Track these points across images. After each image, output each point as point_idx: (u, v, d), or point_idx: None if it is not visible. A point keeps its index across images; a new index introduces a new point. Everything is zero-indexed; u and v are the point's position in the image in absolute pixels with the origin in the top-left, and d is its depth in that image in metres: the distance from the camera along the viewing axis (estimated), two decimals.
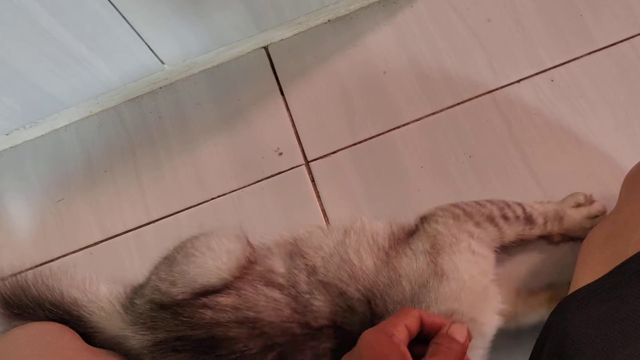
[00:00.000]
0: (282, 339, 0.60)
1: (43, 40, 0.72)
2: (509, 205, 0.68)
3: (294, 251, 0.66)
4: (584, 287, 0.55)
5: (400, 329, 0.49)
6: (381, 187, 0.79)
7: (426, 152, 0.80)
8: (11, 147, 0.91)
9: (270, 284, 0.63)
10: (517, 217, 0.67)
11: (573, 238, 0.71)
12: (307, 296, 0.61)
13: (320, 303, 0.61)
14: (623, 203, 0.61)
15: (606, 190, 0.74)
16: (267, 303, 0.61)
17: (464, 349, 0.51)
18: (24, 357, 0.62)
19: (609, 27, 0.82)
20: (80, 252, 0.83)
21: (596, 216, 0.70)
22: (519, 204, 0.68)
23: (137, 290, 0.69)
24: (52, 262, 0.83)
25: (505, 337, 0.68)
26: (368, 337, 0.49)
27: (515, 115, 0.79)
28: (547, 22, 0.83)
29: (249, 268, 0.65)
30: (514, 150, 0.78)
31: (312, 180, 0.81)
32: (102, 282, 0.72)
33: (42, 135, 0.91)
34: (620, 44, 0.81)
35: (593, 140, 0.77)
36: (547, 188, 0.75)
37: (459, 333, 0.51)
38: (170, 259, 0.68)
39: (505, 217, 0.66)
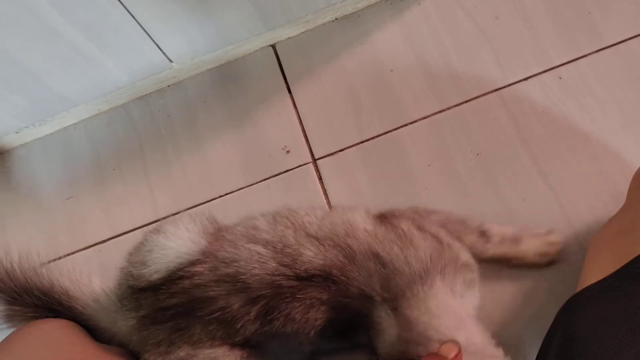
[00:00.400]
0: (267, 292, 0.59)
1: (52, 39, 0.73)
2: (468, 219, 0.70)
3: (279, 214, 0.65)
4: (592, 285, 0.55)
5: None
6: (388, 185, 0.79)
7: (433, 150, 0.80)
8: (21, 145, 0.92)
9: (253, 240, 0.62)
10: (473, 228, 0.69)
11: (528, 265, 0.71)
12: (296, 247, 0.61)
13: (311, 254, 0.60)
14: (631, 201, 0.61)
15: (614, 188, 0.74)
16: (250, 256, 0.60)
17: None
18: (35, 354, 0.62)
19: (617, 24, 0.81)
20: (89, 249, 0.84)
21: (552, 243, 0.70)
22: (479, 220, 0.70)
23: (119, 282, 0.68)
24: (60, 260, 0.84)
25: (511, 334, 0.69)
26: None
27: (523, 113, 0.79)
28: (555, 19, 0.83)
29: (225, 232, 0.65)
30: (521, 148, 0.78)
31: (320, 178, 0.82)
32: (93, 274, 0.73)
33: (52, 133, 0.91)
34: (629, 41, 0.80)
35: (601, 138, 0.76)
36: (555, 186, 0.75)
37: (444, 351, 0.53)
38: (137, 245, 0.68)
39: (462, 222, 0.69)
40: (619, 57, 0.80)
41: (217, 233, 0.66)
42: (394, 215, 0.68)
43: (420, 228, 0.64)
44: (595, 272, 0.58)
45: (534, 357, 0.59)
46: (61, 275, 0.71)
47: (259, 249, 0.61)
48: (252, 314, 0.59)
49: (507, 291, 0.71)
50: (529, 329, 0.67)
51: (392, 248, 0.60)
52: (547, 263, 0.70)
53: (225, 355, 0.61)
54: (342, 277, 0.59)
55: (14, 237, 0.87)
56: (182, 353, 0.60)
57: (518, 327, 0.69)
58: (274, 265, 0.60)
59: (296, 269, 0.59)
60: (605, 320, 0.51)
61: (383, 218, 0.67)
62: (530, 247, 0.70)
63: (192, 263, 0.63)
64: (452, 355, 0.53)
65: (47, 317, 0.68)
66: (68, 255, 0.84)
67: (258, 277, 0.59)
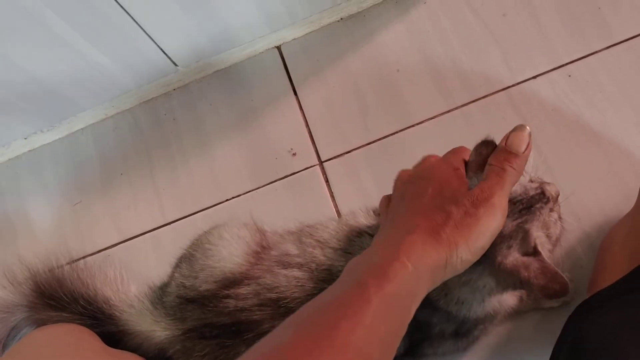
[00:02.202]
0: None
1: (57, 45, 0.73)
2: None
3: (303, 234, 0.67)
4: (602, 290, 0.54)
5: (462, 164, 0.54)
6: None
7: (441, 151, 0.78)
8: (29, 150, 0.92)
9: (288, 265, 0.64)
10: None
11: None
12: (329, 263, 0.62)
13: (343, 264, 0.60)
14: None
15: (626, 187, 0.72)
16: (288, 282, 0.62)
17: (521, 160, 0.52)
18: (44, 357, 0.63)
19: (628, 19, 0.80)
20: (99, 254, 0.84)
21: None
22: None
23: (163, 289, 0.72)
24: (84, 259, 0.84)
25: (520, 340, 0.68)
26: (433, 162, 0.56)
27: (532, 112, 0.78)
28: (563, 15, 0.82)
29: (263, 253, 0.67)
30: None
31: (326, 181, 0.81)
32: (132, 281, 0.76)
33: (60, 139, 0.92)
34: None
35: (612, 136, 0.75)
36: (565, 186, 0.74)
37: (516, 143, 0.53)
38: (189, 257, 0.71)
39: None
40: (631, 53, 0.78)
41: (260, 252, 0.68)
42: None
43: None
44: (606, 275, 0.57)
45: None
46: (103, 285, 0.74)
47: (295, 273, 0.63)
48: None
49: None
50: (538, 335, 0.66)
51: None
52: None
53: None
54: None
55: (24, 244, 0.87)
56: None
57: (527, 332, 0.68)
58: (312, 285, 0.61)
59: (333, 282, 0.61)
60: (616, 327, 0.49)
61: None
62: None
63: (237, 282, 0.65)
64: (523, 147, 0.52)
65: (91, 324, 0.69)
66: (77, 260, 0.84)
67: (299, 300, 0.61)
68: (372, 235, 0.64)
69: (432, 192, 0.51)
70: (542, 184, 0.58)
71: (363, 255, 0.48)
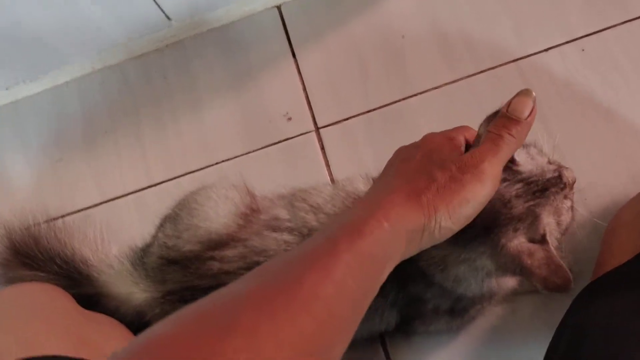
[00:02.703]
0: None
1: None
2: None
3: (295, 198, 0.64)
4: (607, 273, 0.51)
5: (461, 137, 0.52)
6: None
7: (444, 123, 0.74)
8: (11, 102, 0.87)
9: (278, 229, 0.61)
10: None
11: None
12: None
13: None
14: None
15: (635, 169, 0.69)
16: (278, 246, 0.59)
17: (522, 127, 0.48)
18: (13, 316, 0.59)
19: None
20: (78, 213, 0.80)
21: None
22: None
23: (145, 249, 0.68)
24: (62, 218, 0.80)
25: (519, 323, 0.65)
26: (430, 134, 0.53)
27: (542, 86, 0.74)
28: None
29: (252, 217, 0.64)
30: (538, 123, 0.71)
31: (322, 148, 0.77)
32: (112, 242, 0.72)
33: (43, 91, 0.87)
34: None
35: (624, 115, 0.71)
36: (571, 164, 0.69)
37: (518, 109, 0.49)
38: (173, 216, 0.67)
39: None
40: None
41: (249, 215, 0.65)
42: None
43: None
44: (612, 258, 0.54)
45: (544, 352, 0.55)
46: (81, 245, 0.70)
47: (286, 237, 0.60)
48: None
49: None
50: (537, 319, 0.63)
51: None
52: None
53: None
54: None
55: (2, 199, 0.83)
56: None
57: (526, 315, 0.65)
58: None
59: None
60: (622, 312, 0.46)
61: None
62: None
63: (222, 244, 0.61)
64: (526, 113, 0.49)
65: (67, 285, 0.66)
66: (55, 219, 0.80)
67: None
68: None
69: (420, 156, 0.49)
70: (560, 168, 0.55)
71: (339, 214, 0.45)
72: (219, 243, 0.62)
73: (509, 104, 0.50)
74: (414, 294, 0.58)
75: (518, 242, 0.50)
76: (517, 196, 0.51)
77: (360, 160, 0.76)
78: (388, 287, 0.56)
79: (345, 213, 0.45)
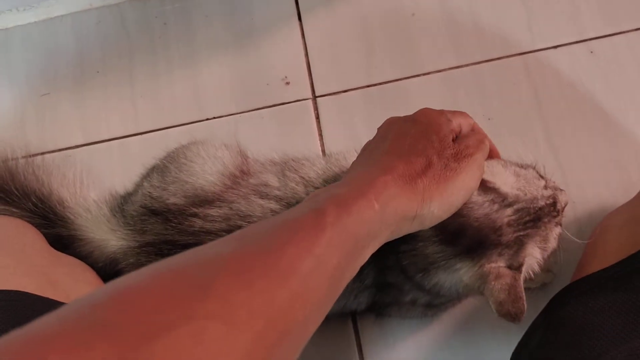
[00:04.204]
0: None
1: None
2: None
3: (287, 167, 0.62)
4: (591, 274, 0.51)
5: (456, 122, 0.51)
6: None
7: (443, 107, 0.73)
8: (1, 29, 0.84)
9: (266, 196, 0.59)
10: None
11: None
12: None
13: None
14: None
15: (627, 178, 0.69)
16: (263, 213, 0.58)
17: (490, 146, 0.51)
18: None
19: None
20: (59, 152, 0.78)
21: None
22: None
23: (126, 197, 0.67)
24: (42, 155, 0.77)
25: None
26: (427, 110, 0.52)
27: (546, 83, 0.73)
28: None
29: (241, 179, 0.62)
30: (537, 120, 0.72)
31: (317, 117, 0.76)
32: (92, 186, 0.69)
33: (35, 22, 0.84)
34: None
35: (623, 123, 0.71)
36: (565, 165, 0.70)
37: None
38: (162, 167, 0.65)
39: None
40: None
41: (238, 177, 0.63)
42: None
43: None
44: (597, 260, 0.54)
45: (512, 343, 0.55)
46: (60, 185, 0.67)
47: (273, 205, 0.58)
48: None
49: None
50: None
51: None
52: None
53: None
54: None
55: None
56: None
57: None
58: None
59: None
60: (603, 311, 0.46)
61: None
62: None
63: (207, 202, 0.60)
64: None
65: (40, 224, 0.64)
66: (34, 155, 0.77)
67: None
68: None
69: (417, 132, 0.48)
70: (555, 192, 0.53)
71: (329, 187, 0.44)
72: (204, 200, 0.60)
73: None
74: (392, 283, 0.57)
75: (496, 265, 0.49)
76: (509, 224, 0.50)
77: (353, 134, 0.74)
78: (366, 270, 0.55)
79: (335, 185, 0.43)
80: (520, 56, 0.75)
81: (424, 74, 0.76)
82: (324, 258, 0.37)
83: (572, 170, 0.70)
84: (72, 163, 0.74)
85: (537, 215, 0.51)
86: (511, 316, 0.47)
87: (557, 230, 0.53)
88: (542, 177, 0.55)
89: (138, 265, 0.60)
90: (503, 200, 0.51)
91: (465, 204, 0.49)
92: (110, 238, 0.63)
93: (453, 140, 0.49)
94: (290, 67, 0.78)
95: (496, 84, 0.74)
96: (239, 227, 0.57)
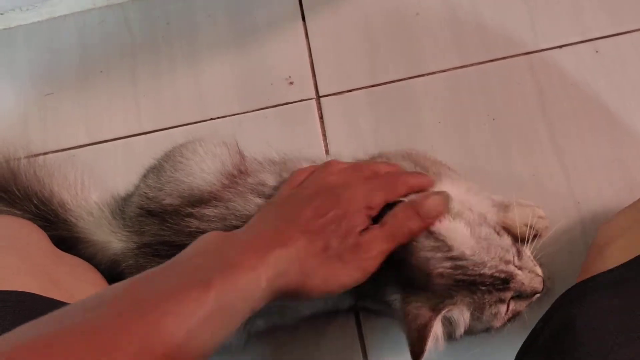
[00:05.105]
0: None
1: None
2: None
3: (285, 169, 0.62)
4: (597, 275, 0.51)
5: (379, 198, 0.51)
6: (392, 137, 0.73)
7: (447, 107, 0.74)
8: (4, 28, 0.84)
9: (262, 195, 0.59)
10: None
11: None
12: None
13: None
14: None
15: (631, 179, 0.69)
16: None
17: (420, 226, 0.50)
18: None
19: None
20: (62, 152, 0.78)
21: (540, 216, 0.65)
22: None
23: (126, 199, 0.67)
24: (44, 155, 0.77)
25: None
26: (353, 178, 0.52)
27: (550, 82, 0.73)
28: None
29: (239, 178, 0.62)
30: (540, 120, 0.72)
31: (321, 117, 0.75)
32: (94, 188, 0.70)
33: (39, 22, 0.84)
34: None
35: (627, 123, 0.71)
36: (569, 165, 0.70)
37: (432, 211, 0.50)
38: (158, 167, 0.65)
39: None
40: None
41: (236, 176, 0.63)
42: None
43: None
44: (602, 262, 0.53)
45: (522, 340, 0.55)
46: (61, 187, 0.68)
47: None
48: None
49: None
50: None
51: None
52: (533, 236, 0.65)
53: None
54: None
55: None
56: None
57: None
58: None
59: None
60: (607, 313, 0.46)
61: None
62: (518, 216, 0.63)
63: (203, 202, 0.60)
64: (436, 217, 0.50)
65: (43, 226, 0.64)
66: (38, 155, 0.77)
67: None
68: None
69: (333, 217, 0.48)
70: (516, 272, 0.51)
71: (222, 243, 0.45)
72: (200, 200, 0.60)
73: (426, 197, 0.51)
74: (369, 292, 0.57)
75: (418, 305, 0.50)
76: (441, 275, 0.50)
77: (357, 134, 0.74)
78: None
79: (227, 250, 0.44)
80: (525, 56, 0.75)
81: (428, 74, 0.75)
82: (196, 333, 0.38)
83: (577, 170, 0.70)
84: (74, 164, 0.74)
85: (474, 280, 0.50)
86: (413, 353, 0.49)
87: (500, 308, 0.51)
88: (519, 252, 0.54)
89: (137, 266, 0.60)
90: (447, 251, 0.50)
91: (415, 241, 0.50)
92: (111, 240, 0.63)
93: (363, 226, 0.49)
94: (294, 67, 0.78)
95: (500, 83, 0.74)
96: (235, 226, 0.57)
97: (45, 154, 0.77)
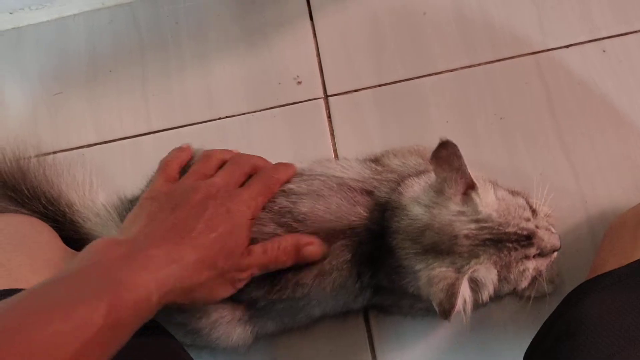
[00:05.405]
0: None
1: None
2: None
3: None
4: (609, 272, 0.51)
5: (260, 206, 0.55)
6: (400, 136, 0.74)
7: (454, 106, 0.74)
8: (14, 27, 0.84)
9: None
10: None
11: None
12: (292, 205, 0.56)
13: (306, 208, 0.56)
14: None
15: (638, 176, 0.69)
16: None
17: (290, 263, 0.53)
18: None
19: None
20: (72, 151, 0.78)
21: (546, 214, 0.65)
22: None
23: (133, 201, 0.66)
24: (54, 154, 0.77)
25: (505, 315, 0.65)
26: (239, 202, 0.54)
27: (557, 82, 0.73)
28: None
29: None
30: (548, 119, 0.72)
31: (329, 117, 0.76)
32: (101, 189, 0.70)
33: (48, 21, 0.84)
34: None
35: (635, 121, 0.71)
36: (577, 164, 0.70)
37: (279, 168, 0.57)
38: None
39: None
40: None
41: None
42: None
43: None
44: (613, 258, 0.54)
45: (524, 339, 0.55)
46: (69, 187, 0.68)
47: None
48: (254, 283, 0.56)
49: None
50: (525, 311, 0.63)
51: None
52: None
53: (226, 310, 0.58)
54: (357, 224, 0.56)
55: None
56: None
57: (514, 307, 0.65)
58: (272, 227, 0.56)
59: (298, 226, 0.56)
60: (619, 310, 0.46)
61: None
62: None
63: None
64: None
65: (52, 226, 0.64)
66: (48, 154, 0.78)
67: (259, 238, 0.55)
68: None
69: (222, 233, 0.50)
70: (536, 230, 0.52)
71: (114, 256, 0.45)
72: None
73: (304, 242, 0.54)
74: (386, 287, 0.58)
75: (445, 269, 0.50)
76: (467, 237, 0.50)
77: (365, 133, 0.74)
78: (363, 274, 0.56)
79: (119, 265, 0.44)
80: (532, 55, 0.75)
81: (436, 74, 0.76)
82: (85, 352, 0.37)
83: (584, 169, 0.70)
84: (83, 163, 0.74)
85: (500, 238, 0.50)
86: (443, 312, 0.48)
87: (529, 265, 0.52)
88: (534, 211, 0.55)
89: None
90: (474, 214, 0.51)
91: (436, 205, 0.51)
92: None
93: (244, 247, 0.52)
94: (302, 66, 0.78)
95: (508, 83, 0.74)
96: None
97: (54, 152, 0.78)
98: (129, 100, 0.80)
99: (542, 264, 0.54)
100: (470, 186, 0.52)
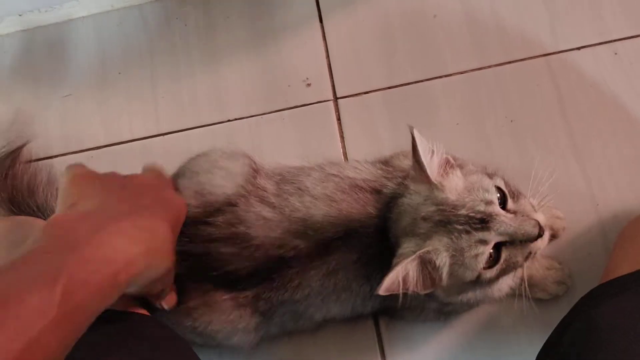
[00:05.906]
0: (272, 264, 0.56)
1: None
2: None
3: (283, 180, 0.60)
4: (622, 276, 0.51)
5: None
6: (410, 138, 0.73)
7: (465, 109, 0.74)
8: (23, 30, 0.85)
9: (263, 201, 0.58)
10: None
11: None
12: (304, 210, 0.56)
13: (320, 213, 0.56)
14: None
15: None
16: (257, 221, 0.57)
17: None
18: (5, 247, 0.58)
19: None
20: (82, 153, 0.78)
21: (558, 217, 0.66)
22: None
23: None
24: (53, 159, 0.78)
25: (516, 318, 0.65)
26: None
27: (569, 84, 0.73)
28: None
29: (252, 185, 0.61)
30: (560, 121, 0.72)
31: (338, 119, 0.76)
32: None
33: (57, 23, 0.84)
34: None
35: None
36: (588, 167, 0.70)
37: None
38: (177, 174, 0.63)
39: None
40: None
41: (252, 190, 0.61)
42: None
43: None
44: (626, 262, 0.53)
45: (541, 344, 0.55)
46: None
47: (267, 213, 0.57)
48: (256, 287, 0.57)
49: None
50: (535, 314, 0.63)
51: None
52: (550, 237, 0.64)
53: (233, 311, 0.58)
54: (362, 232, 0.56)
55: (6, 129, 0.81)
56: (191, 303, 0.58)
57: (524, 309, 0.64)
58: (278, 233, 0.56)
59: (307, 236, 0.55)
60: (632, 314, 0.46)
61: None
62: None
63: (219, 211, 0.59)
64: None
65: None
66: (58, 156, 0.78)
67: (261, 241, 0.56)
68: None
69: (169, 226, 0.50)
70: (496, 214, 0.50)
71: (73, 236, 0.41)
72: (217, 210, 0.59)
73: None
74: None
75: (407, 246, 0.50)
76: (423, 218, 0.50)
77: (375, 135, 0.74)
78: (373, 276, 0.56)
79: (83, 245, 0.40)
80: (543, 57, 0.75)
81: (446, 76, 0.75)
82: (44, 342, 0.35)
83: (596, 172, 0.70)
84: (92, 165, 0.74)
85: (449, 220, 0.49)
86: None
87: (481, 249, 0.49)
88: (513, 195, 0.53)
89: None
90: (435, 198, 0.51)
91: (414, 192, 0.52)
92: None
93: None
94: (311, 68, 0.78)
95: (518, 85, 0.74)
96: (236, 233, 0.57)
97: (64, 154, 0.78)
98: (138, 102, 0.80)
99: (515, 254, 0.51)
100: (438, 172, 0.52)
